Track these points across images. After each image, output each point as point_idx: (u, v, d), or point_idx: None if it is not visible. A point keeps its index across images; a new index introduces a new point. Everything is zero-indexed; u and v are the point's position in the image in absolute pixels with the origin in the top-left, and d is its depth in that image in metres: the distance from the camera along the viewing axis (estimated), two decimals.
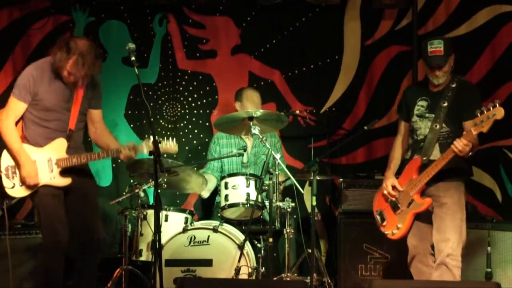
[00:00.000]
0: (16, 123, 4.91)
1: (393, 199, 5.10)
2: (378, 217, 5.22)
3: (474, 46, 6.61)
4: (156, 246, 4.36)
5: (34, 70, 4.85)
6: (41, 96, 4.81)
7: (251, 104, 6.16)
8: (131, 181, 6.26)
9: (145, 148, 4.88)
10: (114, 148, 4.95)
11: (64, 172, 4.90)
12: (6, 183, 4.81)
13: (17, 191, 4.84)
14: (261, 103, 6.27)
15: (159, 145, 4.83)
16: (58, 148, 4.88)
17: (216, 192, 6.22)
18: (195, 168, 6.05)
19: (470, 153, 4.79)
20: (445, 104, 4.97)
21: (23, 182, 4.80)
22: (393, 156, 5.29)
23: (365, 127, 5.46)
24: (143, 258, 5.70)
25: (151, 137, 4.59)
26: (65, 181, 4.90)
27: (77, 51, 4.72)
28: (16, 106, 4.82)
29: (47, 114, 4.86)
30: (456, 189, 4.98)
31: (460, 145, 4.72)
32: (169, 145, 4.97)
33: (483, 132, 4.65)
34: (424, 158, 4.99)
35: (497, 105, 4.56)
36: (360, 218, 6.08)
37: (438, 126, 4.99)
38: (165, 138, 4.98)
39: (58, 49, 4.76)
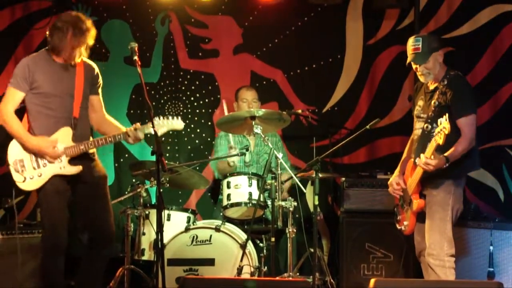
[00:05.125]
0: (22, 118, 4.91)
1: (398, 196, 5.10)
2: (395, 212, 5.20)
3: (476, 45, 6.60)
4: (158, 246, 4.36)
5: (29, 59, 4.90)
6: (39, 83, 4.82)
7: (244, 104, 6.22)
8: (133, 180, 6.28)
9: (150, 127, 4.76)
10: (121, 132, 4.92)
11: (73, 160, 4.88)
12: (17, 177, 4.80)
13: (28, 185, 4.82)
14: (255, 100, 6.27)
15: (166, 121, 4.84)
16: (63, 137, 4.86)
17: (218, 191, 6.23)
18: (197, 169, 6.05)
19: (446, 165, 4.69)
20: (436, 103, 4.88)
21: (49, 161, 4.80)
22: (404, 154, 5.25)
23: (367, 127, 5.45)
24: (145, 258, 5.71)
25: (157, 118, 4.74)
26: (76, 169, 4.88)
27: (69, 25, 4.76)
28: (14, 95, 4.83)
29: (50, 101, 4.85)
30: (442, 189, 4.89)
31: (422, 162, 4.67)
32: (175, 122, 4.92)
33: (440, 144, 4.57)
34: (417, 160, 4.93)
35: (445, 119, 4.52)
36: (362, 217, 6.09)
37: (429, 127, 4.88)
38: (171, 117, 4.91)
39: (51, 35, 4.81)
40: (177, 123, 4.89)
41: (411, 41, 4.99)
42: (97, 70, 5.04)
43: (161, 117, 4.84)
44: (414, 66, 5.00)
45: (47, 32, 4.86)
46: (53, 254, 4.83)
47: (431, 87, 5.02)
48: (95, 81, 5.03)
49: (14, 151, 4.84)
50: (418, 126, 5.03)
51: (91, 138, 5.02)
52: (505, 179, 6.46)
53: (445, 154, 4.70)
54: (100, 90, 5.10)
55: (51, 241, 4.83)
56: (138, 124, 4.89)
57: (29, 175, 4.81)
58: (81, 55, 4.87)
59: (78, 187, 4.95)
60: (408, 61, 4.99)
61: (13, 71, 4.91)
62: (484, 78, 6.57)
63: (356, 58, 6.87)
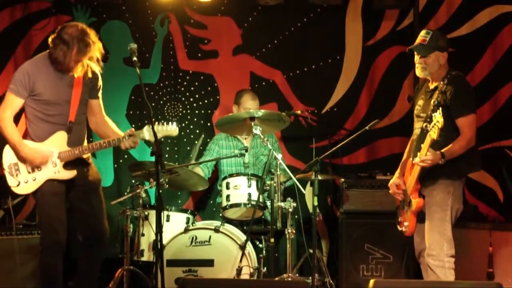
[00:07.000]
0: (18, 121, 4.90)
1: (399, 198, 5.08)
2: (396, 214, 5.18)
3: (475, 46, 6.60)
4: (158, 246, 4.35)
5: (29, 66, 4.85)
6: (40, 90, 4.80)
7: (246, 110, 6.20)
8: (133, 181, 6.28)
9: (146, 133, 4.80)
10: (116, 137, 4.90)
11: (67, 165, 4.88)
12: (11, 181, 4.80)
13: (22, 189, 4.82)
14: (257, 107, 6.25)
15: (160, 127, 4.81)
16: (58, 141, 4.85)
17: (217, 192, 6.22)
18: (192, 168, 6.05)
19: (441, 160, 4.67)
20: (435, 102, 4.84)
21: (37, 169, 4.78)
22: (404, 155, 5.21)
23: (367, 127, 5.45)
24: (144, 258, 5.71)
25: (150, 124, 4.67)
26: (70, 174, 4.88)
27: (74, 40, 4.71)
28: (13, 101, 4.81)
29: (50, 108, 4.84)
30: (441, 189, 4.86)
31: (418, 162, 4.67)
32: (170, 128, 4.89)
33: (434, 139, 4.56)
34: (415, 160, 4.90)
35: (439, 113, 4.51)
36: (361, 218, 6.08)
37: (428, 126, 4.85)
38: (166, 122, 4.88)
39: (55, 46, 4.75)
40: (172, 129, 4.85)
41: (422, 32, 5.01)
42: (97, 71, 4.99)
43: (156, 123, 4.77)
44: (415, 57, 5.01)
45: (50, 41, 4.80)
46: (52, 253, 4.83)
47: (431, 86, 5.00)
48: (94, 85, 5.00)
49: (9, 155, 4.83)
50: (418, 126, 5.01)
51: (85, 143, 5.02)
52: (504, 180, 6.46)
53: (442, 150, 4.69)
54: (100, 94, 5.07)
55: (50, 240, 4.83)
56: (132, 129, 4.87)
57: (24, 179, 4.81)
58: (84, 69, 4.82)
59: (72, 190, 4.95)
60: (409, 48, 4.99)
61: (13, 75, 4.87)
62: (484, 79, 6.58)
63: (356, 58, 6.86)
